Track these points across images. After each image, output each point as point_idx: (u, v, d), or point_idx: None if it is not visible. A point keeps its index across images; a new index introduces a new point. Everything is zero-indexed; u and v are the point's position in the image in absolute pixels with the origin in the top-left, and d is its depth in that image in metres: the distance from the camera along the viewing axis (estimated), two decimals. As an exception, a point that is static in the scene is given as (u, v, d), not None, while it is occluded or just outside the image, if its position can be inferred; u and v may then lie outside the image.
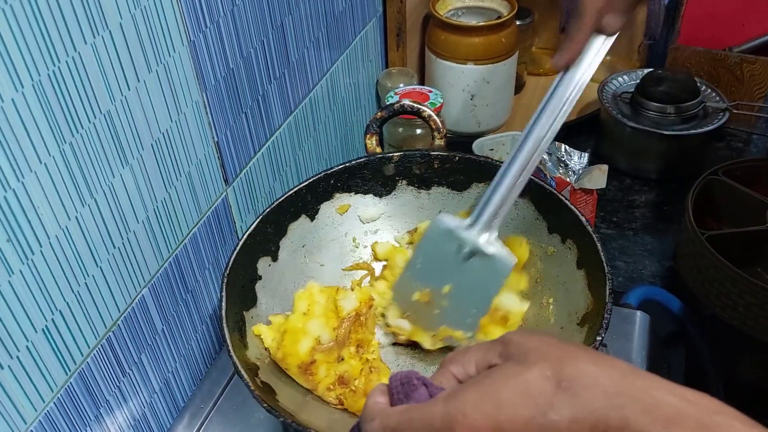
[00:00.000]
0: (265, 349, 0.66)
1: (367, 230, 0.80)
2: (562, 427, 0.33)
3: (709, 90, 1.12)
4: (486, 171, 0.75)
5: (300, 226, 0.75)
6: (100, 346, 0.60)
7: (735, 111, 1.10)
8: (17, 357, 0.51)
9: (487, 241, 0.62)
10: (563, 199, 0.69)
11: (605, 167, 0.83)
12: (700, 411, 0.32)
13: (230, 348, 0.59)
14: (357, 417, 0.62)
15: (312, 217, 0.76)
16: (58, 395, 0.56)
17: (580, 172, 0.84)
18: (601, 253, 0.63)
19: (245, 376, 0.58)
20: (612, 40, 0.59)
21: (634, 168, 1.11)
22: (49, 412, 0.55)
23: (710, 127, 1.06)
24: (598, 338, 0.58)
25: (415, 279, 0.68)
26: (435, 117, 0.78)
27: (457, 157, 0.76)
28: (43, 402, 0.55)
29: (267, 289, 0.70)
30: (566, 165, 0.85)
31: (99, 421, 0.62)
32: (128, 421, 0.66)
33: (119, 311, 0.62)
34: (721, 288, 0.84)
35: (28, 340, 0.52)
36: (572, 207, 0.68)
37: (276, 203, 0.72)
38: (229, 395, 0.74)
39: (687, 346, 0.90)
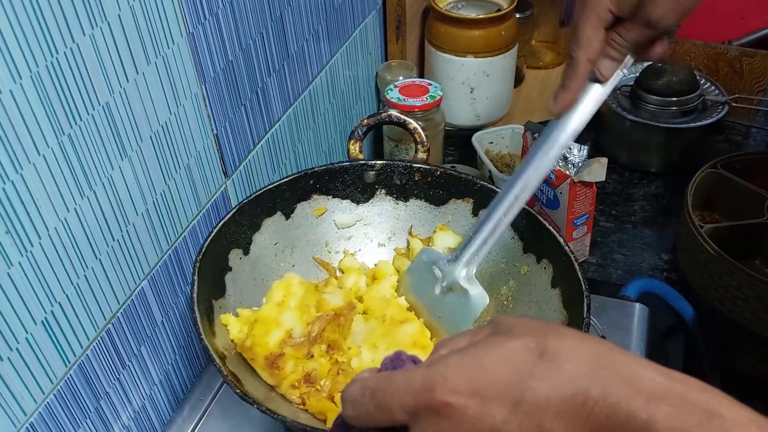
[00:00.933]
0: (231, 341, 0.65)
1: (341, 236, 0.79)
2: (541, 395, 0.33)
3: (709, 83, 1.12)
4: (466, 188, 0.75)
5: (274, 223, 0.74)
6: (99, 338, 0.60)
7: (734, 104, 1.10)
8: (17, 349, 0.51)
9: (465, 278, 0.65)
10: (541, 219, 0.69)
11: (605, 160, 0.83)
12: (686, 388, 0.32)
13: (202, 333, 0.59)
14: (318, 418, 0.62)
15: (287, 216, 0.75)
16: (58, 387, 0.56)
17: (580, 165, 0.84)
18: (578, 272, 0.64)
19: (217, 361, 0.57)
20: (609, 87, 0.59)
21: (633, 161, 1.11)
22: (49, 404, 0.55)
23: (709, 121, 1.06)
24: None
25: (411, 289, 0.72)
26: (420, 130, 0.78)
27: (438, 171, 0.76)
28: (43, 394, 0.55)
29: (236, 281, 0.70)
30: (565, 158, 0.85)
31: (99, 414, 0.62)
32: (128, 413, 0.66)
33: (119, 303, 0.62)
34: (720, 281, 0.84)
35: (27, 332, 0.52)
36: (549, 227, 0.68)
37: (253, 196, 0.71)
38: (228, 388, 0.74)
39: (685, 338, 0.91)
